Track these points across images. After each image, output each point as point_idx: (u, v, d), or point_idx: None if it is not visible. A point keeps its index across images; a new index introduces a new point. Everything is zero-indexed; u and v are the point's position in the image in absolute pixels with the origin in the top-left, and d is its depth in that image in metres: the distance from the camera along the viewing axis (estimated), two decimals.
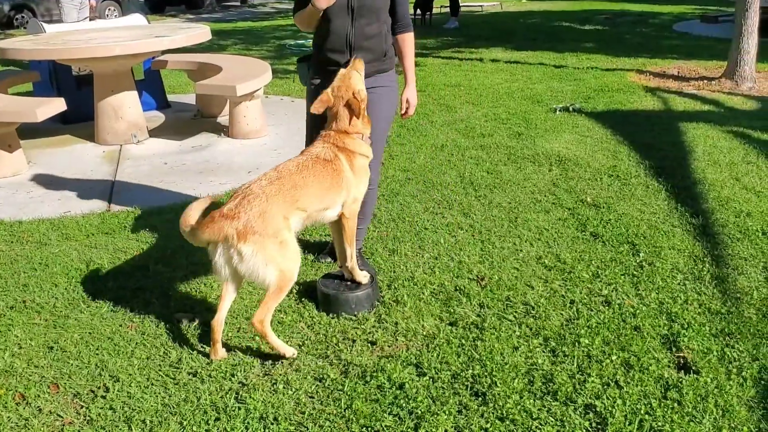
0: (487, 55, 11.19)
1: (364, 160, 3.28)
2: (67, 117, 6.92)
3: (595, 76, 9.04)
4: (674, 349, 2.99)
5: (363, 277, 3.43)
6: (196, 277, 3.78)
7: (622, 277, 3.65)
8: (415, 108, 3.65)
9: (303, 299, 3.50)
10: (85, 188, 5.37)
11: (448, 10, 15.92)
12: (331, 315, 3.35)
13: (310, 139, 3.47)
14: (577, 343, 3.04)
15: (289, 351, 3.01)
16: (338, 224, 3.32)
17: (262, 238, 2.83)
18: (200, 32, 6.71)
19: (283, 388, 2.81)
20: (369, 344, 3.11)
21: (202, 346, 3.13)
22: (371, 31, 3.38)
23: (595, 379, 2.79)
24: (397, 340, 3.14)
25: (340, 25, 3.33)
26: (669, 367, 2.88)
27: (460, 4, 15.71)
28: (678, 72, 9.21)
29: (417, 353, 3.01)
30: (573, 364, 2.90)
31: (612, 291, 3.50)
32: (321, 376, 2.89)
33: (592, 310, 3.33)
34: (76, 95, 7.16)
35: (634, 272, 3.70)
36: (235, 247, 2.83)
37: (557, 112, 7.16)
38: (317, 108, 3.19)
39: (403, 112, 3.63)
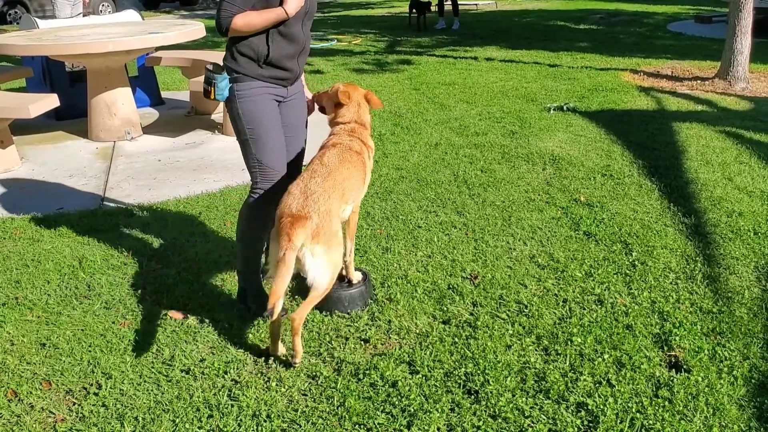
0: (482, 53, 11.19)
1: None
2: (60, 113, 6.91)
3: (590, 76, 9.06)
4: (666, 348, 3.01)
5: (356, 275, 3.44)
6: (189, 274, 3.78)
7: (615, 276, 3.67)
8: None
9: (296, 297, 3.50)
10: (78, 185, 5.36)
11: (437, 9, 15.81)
12: (324, 313, 3.35)
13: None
14: (569, 342, 3.05)
15: (300, 356, 2.91)
16: None
17: (329, 237, 2.81)
18: (195, 29, 6.69)
19: (276, 385, 2.82)
20: (362, 342, 3.12)
21: (194, 344, 3.12)
22: (309, 34, 3.32)
23: (587, 377, 2.80)
24: (390, 338, 3.15)
25: (298, 30, 3.19)
26: (660, 365, 2.89)
27: (459, 4, 15.58)
28: (672, 72, 9.24)
29: (410, 351, 3.02)
30: (565, 363, 2.91)
31: (605, 290, 3.52)
32: (314, 373, 2.89)
33: (584, 309, 3.34)
34: (69, 91, 7.14)
35: (627, 271, 3.71)
36: (308, 247, 2.75)
37: (551, 111, 7.17)
38: (344, 99, 3.27)
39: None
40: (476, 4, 19.83)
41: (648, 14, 16.35)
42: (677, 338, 3.05)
